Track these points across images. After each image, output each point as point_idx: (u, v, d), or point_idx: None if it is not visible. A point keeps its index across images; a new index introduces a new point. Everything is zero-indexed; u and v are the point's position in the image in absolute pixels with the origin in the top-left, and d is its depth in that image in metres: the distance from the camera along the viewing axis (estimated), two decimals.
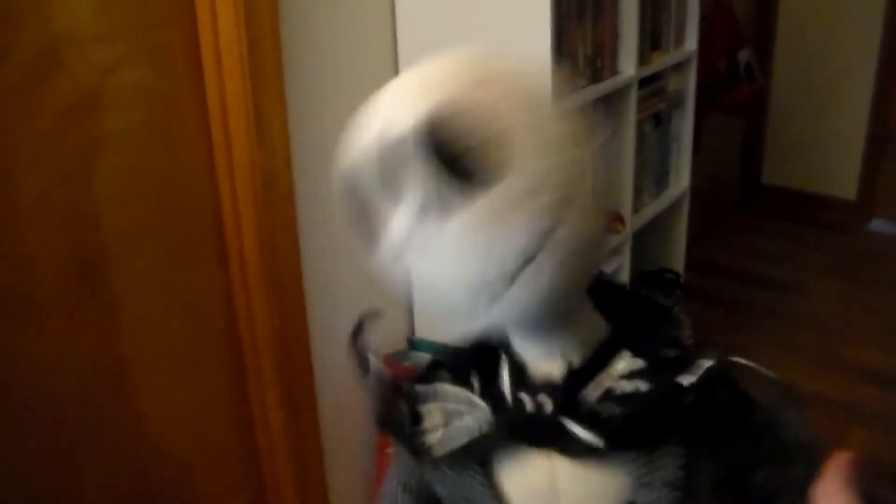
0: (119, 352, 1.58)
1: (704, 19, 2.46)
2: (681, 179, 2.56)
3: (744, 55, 3.59)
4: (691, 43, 2.43)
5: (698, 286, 3.26)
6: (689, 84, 2.48)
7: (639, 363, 0.45)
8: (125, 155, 1.50)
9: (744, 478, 0.47)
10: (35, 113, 1.38)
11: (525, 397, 0.46)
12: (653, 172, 2.40)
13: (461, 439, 0.46)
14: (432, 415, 0.49)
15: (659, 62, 2.24)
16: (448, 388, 0.50)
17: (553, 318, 0.45)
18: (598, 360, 0.45)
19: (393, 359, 1.97)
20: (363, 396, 1.95)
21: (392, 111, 0.45)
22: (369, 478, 2.06)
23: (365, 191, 0.45)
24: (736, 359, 0.46)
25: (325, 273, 1.81)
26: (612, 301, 0.48)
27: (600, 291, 0.47)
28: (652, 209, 2.38)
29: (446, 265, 0.44)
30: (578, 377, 0.45)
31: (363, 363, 0.53)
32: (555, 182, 0.43)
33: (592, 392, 0.44)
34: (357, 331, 0.53)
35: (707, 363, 0.44)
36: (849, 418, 2.61)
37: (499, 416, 0.47)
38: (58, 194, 1.43)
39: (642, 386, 0.43)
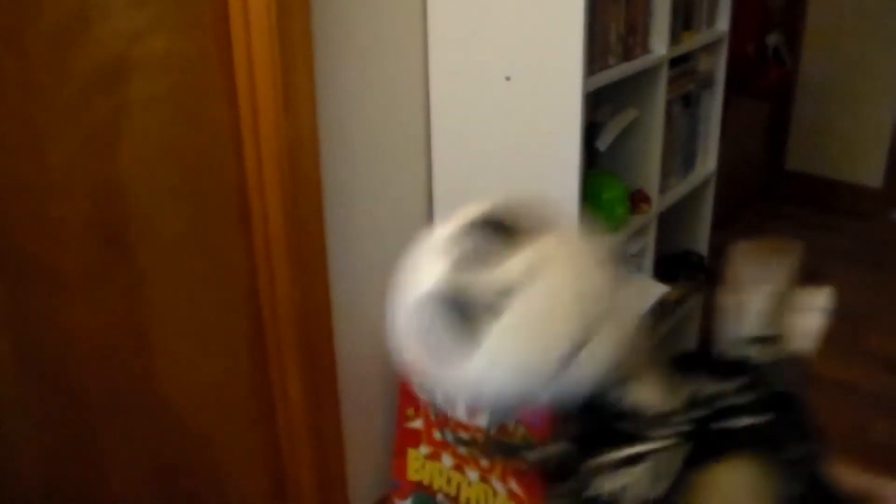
0: (142, 320, 1.57)
1: (734, 2, 2.41)
2: (707, 161, 2.53)
3: (773, 39, 3.53)
4: (723, 23, 2.39)
5: (721, 270, 3.22)
6: (720, 65, 2.44)
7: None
8: (152, 122, 1.49)
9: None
10: (63, 79, 1.36)
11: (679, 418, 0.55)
12: (680, 153, 2.37)
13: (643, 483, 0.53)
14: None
15: (690, 42, 2.20)
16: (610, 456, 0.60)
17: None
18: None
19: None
20: (383, 369, 1.92)
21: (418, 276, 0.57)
22: (389, 454, 2.06)
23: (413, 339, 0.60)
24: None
25: (349, 246, 1.79)
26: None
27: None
28: (678, 190, 2.35)
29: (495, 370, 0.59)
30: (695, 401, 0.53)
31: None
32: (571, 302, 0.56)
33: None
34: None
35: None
36: (873, 408, 2.58)
37: (672, 444, 0.53)
38: (85, 161, 1.42)
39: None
